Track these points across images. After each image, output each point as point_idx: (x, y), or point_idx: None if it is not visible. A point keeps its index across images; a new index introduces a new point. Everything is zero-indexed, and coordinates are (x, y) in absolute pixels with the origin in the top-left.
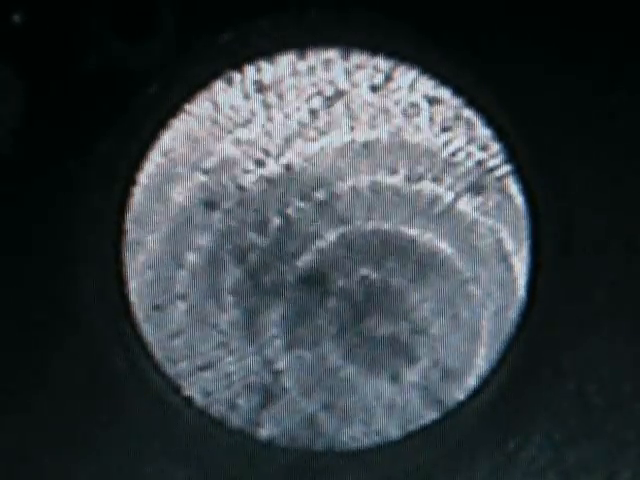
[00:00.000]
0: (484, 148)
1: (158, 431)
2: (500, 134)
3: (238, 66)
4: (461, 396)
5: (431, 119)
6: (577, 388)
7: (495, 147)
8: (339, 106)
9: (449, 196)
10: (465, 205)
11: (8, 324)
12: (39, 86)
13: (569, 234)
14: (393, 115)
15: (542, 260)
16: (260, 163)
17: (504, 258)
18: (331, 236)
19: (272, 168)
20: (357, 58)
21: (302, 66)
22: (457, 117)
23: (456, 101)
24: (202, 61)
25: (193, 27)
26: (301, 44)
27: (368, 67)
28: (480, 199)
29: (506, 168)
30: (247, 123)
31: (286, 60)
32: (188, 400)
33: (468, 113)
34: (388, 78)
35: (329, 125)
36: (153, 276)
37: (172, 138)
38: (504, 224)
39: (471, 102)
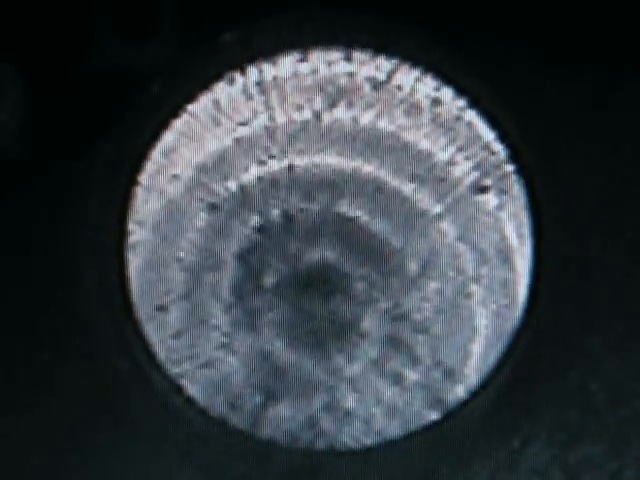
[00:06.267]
0: (486, 148)
1: (159, 431)
2: (502, 134)
3: (240, 66)
4: (463, 396)
5: (433, 119)
6: (580, 386)
7: (497, 147)
8: (341, 106)
9: (451, 196)
10: (467, 205)
11: (10, 325)
12: (41, 86)
13: (571, 233)
14: (395, 115)
15: (544, 259)
16: (262, 163)
17: (506, 257)
18: (333, 237)
19: (274, 168)
20: (359, 58)
21: (304, 66)
22: (459, 117)
23: (458, 101)
24: (204, 61)
25: (195, 28)
26: (303, 44)
27: (370, 67)
28: (482, 199)
29: (508, 168)
30: (249, 123)
31: (288, 60)
32: (190, 400)
33: (470, 113)
34: (390, 78)
35: (331, 125)
36: (155, 277)
37: (174, 138)
38: (506, 223)
39: (473, 102)
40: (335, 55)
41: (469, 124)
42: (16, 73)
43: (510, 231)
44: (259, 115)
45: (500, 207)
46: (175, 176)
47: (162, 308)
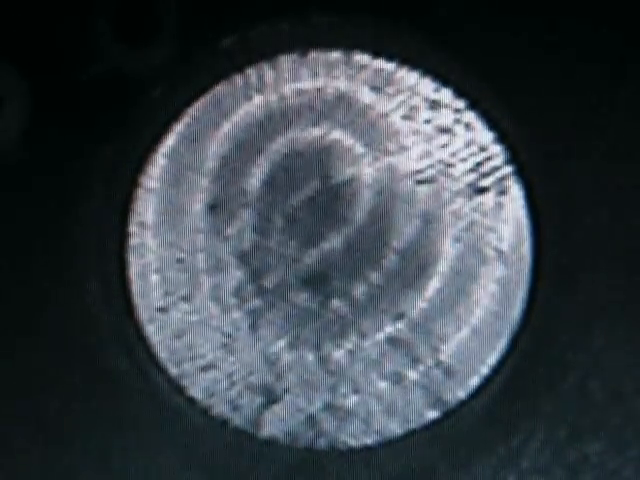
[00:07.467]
0: (485, 149)
1: (160, 431)
2: (501, 135)
3: (240, 70)
4: (463, 395)
5: (432, 120)
6: (579, 385)
7: (496, 148)
8: (341, 108)
9: (449, 197)
10: (466, 206)
11: (10, 325)
12: (42, 90)
13: (570, 234)
14: (394, 117)
15: (543, 259)
16: (262, 165)
17: (505, 258)
18: (333, 238)
19: (274, 170)
20: (359, 60)
21: (304, 69)
22: (458, 119)
23: (458, 103)
24: (204, 65)
25: (195, 31)
26: (303, 47)
27: (370, 69)
28: (481, 200)
29: (507, 169)
30: (249, 126)
31: (288, 63)
32: (191, 400)
33: (469, 115)
34: (389, 80)
35: (331, 127)
36: (157, 278)
37: (175, 142)
38: (505, 224)
39: (473, 104)
40: (334, 57)
41: (468, 125)
42: (19, 76)
43: (509, 231)
44: (259, 118)
45: (499, 208)
46: (176, 178)
47: (164, 309)
